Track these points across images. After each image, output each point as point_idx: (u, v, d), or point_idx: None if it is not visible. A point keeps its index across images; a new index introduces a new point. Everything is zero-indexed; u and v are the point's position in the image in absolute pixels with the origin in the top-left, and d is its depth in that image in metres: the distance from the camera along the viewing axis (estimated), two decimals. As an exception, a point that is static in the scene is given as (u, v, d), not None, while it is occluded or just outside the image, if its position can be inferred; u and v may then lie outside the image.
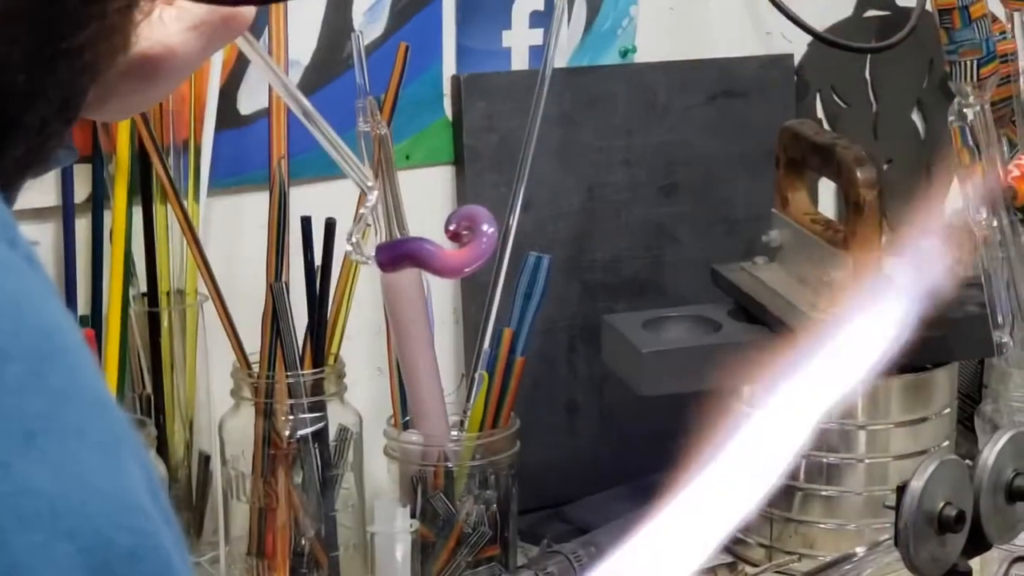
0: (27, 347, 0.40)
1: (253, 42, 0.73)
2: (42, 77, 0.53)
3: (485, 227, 0.79)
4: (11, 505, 0.38)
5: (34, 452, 0.39)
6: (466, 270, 0.80)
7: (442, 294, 1.39)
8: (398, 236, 1.20)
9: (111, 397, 0.42)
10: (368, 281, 1.28)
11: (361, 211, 0.82)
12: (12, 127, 0.53)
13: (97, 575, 0.39)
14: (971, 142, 1.18)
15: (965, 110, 1.18)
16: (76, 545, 0.39)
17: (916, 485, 0.92)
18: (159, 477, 0.44)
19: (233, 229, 1.31)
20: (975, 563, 0.99)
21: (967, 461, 0.97)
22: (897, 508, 0.93)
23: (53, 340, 0.41)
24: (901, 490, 0.93)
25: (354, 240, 0.84)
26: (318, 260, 1.23)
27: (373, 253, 0.80)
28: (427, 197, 1.38)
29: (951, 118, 1.19)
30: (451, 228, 0.80)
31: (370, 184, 0.81)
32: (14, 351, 0.40)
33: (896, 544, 0.94)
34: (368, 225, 0.87)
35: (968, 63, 1.17)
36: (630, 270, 1.45)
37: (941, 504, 0.93)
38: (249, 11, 0.64)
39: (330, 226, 1.23)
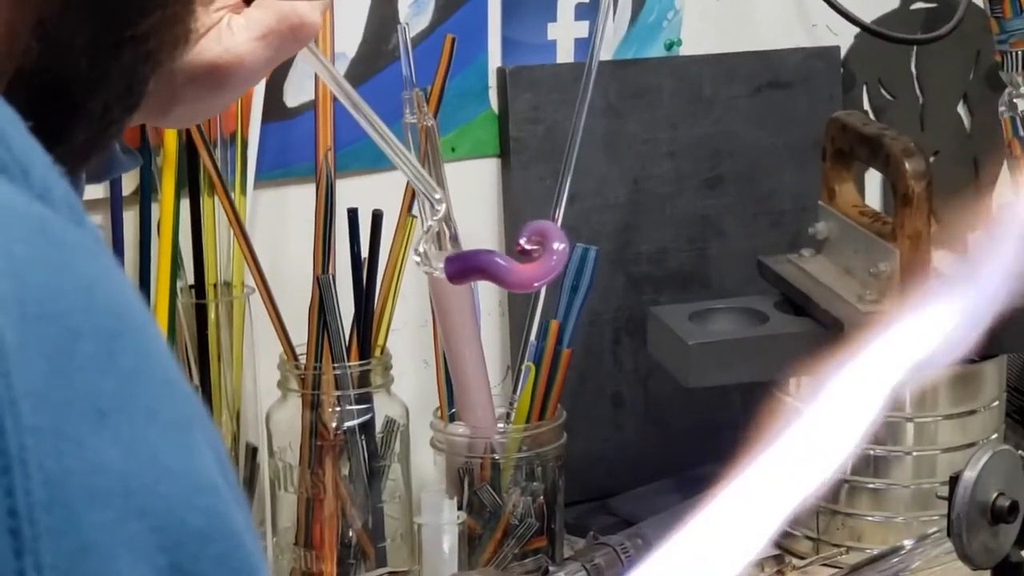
0: (99, 326, 0.40)
1: (315, 51, 0.73)
2: (106, 63, 0.53)
3: (556, 244, 0.79)
4: (83, 483, 0.38)
5: (106, 431, 0.39)
6: (535, 285, 0.80)
7: (488, 287, 1.39)
8: (446, 230, 1.20)
9: (181, 377, 0.42)
10: (414, 273, 1.28)
11: (430, 223, 0.81)
12: (75, 112, 0.54)
13: (169, 554, 0.39)
14: (1021, 132, 1.18)
15: (1016, 100, 1.18)
16: (148, 524, 0.39)
17: (969, 475, 0.92)
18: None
19: (280, 221, 1.31)
20: (1028, 554, 0.99)
21: (1020, 452, 0.97)
22: (950, 498, 0.92)
23: (124, 320, 0.41)
24: (954, 480, 0.92)
25: (422, 250, 0.83)
26: (364, 252, 1.23)
27: (442, 264, 0.80)
28: (473, 190, 1.38)
29: (1001, 108, 1.18)
30: (522, 243, 0.80)
31: (437, 196, 0.80)
32: (86, 330, 0.40)
33: (948, 534, 0.93)
34: (435, 236, 0.87)
35: (1019, 53, 1.16)
36: (675, 262, 1.45)
37: (994, 494, 0.93)
38: (317, 20, 0.65)
39: (376, 218, 1.23)
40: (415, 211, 1.23)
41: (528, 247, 0.81)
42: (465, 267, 0.79)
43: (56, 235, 0.41)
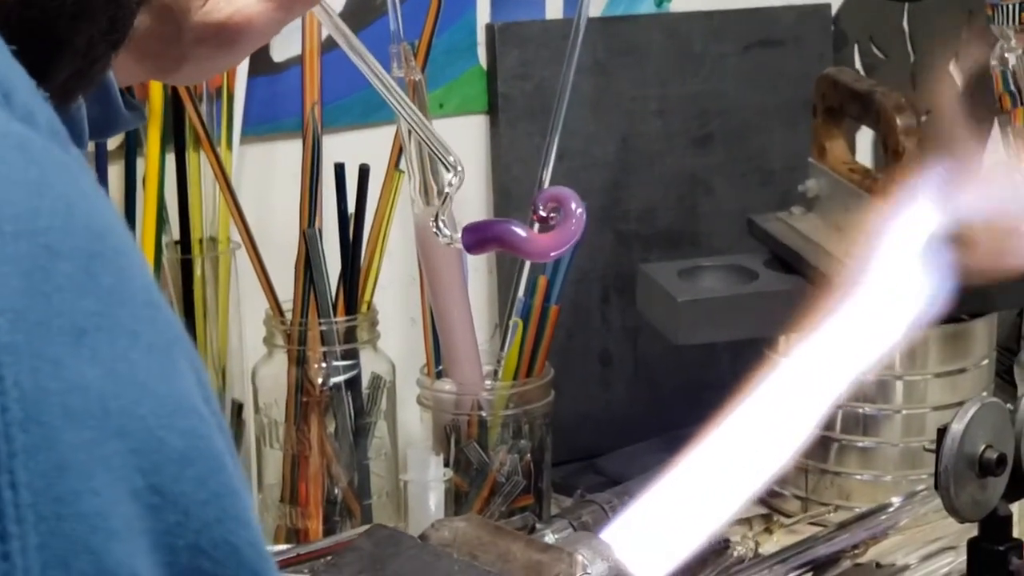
0: (77, 246, 0.40)
1: (329, 10, 0.73)
2: None
3: (573, 211, 0.78)
4: (60, 402, 0.38)
5: (85, 350, 0.39)
6: (553, 254, 0.79)
7: (475, 244, 1.38)
8: (433, 185, 1.19)
9: (163, 300, 0.42)
10: (402, 230, 1.27)
11: (446, 190, 0.80)
12: (59, 48, 0.53)
13: (147, 476, 0.39)
14: (1012, 86, 1.17)
15: (1007, 54, 1.17)
16: (126, 445, 0.39)
17: (957, 428, 0.91)
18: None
19: (266, 176, 1.30)
20: (1015, 507, 0.98)
21: (1008, 405, 0.96)
22: (938, 451, 0.92)
23: (104, 241, 0.40)
24: (942, 433, 0.92)
25: (443, 219, 0.82)
26: (351, 207, 1.22)
27: (459, 233, 0.78)
28: (461, 146, 1.36)
29: (993, 62, 1.17)
30: (540, 213, 0.79)
31: (459, 169, 0.79)
32: (64, 249, 0.39)
33: (936, 487, 0.93)
34: (451, 203, 0.85)
35: (1010, 7, 1.15)
36: (664, 221, 1.44)
37: (982, 447, 0.92)
38: None
39: (364, 173, 1.22)
40: (402, 166, 1.22)
41: (545, 214, 0.81)
42: (482, 237, 0.78)
43: (35, 154, 0.40)
